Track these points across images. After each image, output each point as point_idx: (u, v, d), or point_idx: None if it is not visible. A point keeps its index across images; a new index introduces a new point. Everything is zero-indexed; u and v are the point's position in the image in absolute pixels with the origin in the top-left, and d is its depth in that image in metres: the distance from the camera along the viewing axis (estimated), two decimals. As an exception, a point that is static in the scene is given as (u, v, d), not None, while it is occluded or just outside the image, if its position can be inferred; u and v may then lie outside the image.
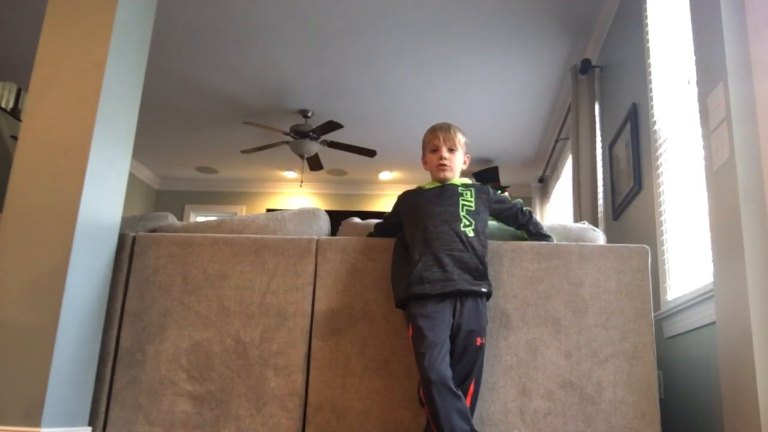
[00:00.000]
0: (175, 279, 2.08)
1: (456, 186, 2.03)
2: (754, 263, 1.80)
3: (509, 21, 4.03)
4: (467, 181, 2.10)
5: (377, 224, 2.18)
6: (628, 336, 1.95)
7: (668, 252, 2.79)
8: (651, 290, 1.99)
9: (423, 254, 1.88)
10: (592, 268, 2.00)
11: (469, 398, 1.78)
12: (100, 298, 2.01)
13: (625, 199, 3.34)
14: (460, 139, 2.07)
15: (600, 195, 3.84)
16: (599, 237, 2.17)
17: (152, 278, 2.09)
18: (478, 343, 1.82)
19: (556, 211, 5.87)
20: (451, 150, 2.04)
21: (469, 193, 2.00)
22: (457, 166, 2.06)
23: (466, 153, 2.10)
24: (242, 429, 1.94)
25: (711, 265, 2.04)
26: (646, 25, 3.14)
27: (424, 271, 1.85)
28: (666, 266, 2.79)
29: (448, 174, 2.04)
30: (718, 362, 2.00)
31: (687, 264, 2.62)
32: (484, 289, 1.86)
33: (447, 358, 1.75)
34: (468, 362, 1.80)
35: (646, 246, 2.04)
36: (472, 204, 1.98)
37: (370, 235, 2.16)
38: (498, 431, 1.89)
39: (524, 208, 2.12)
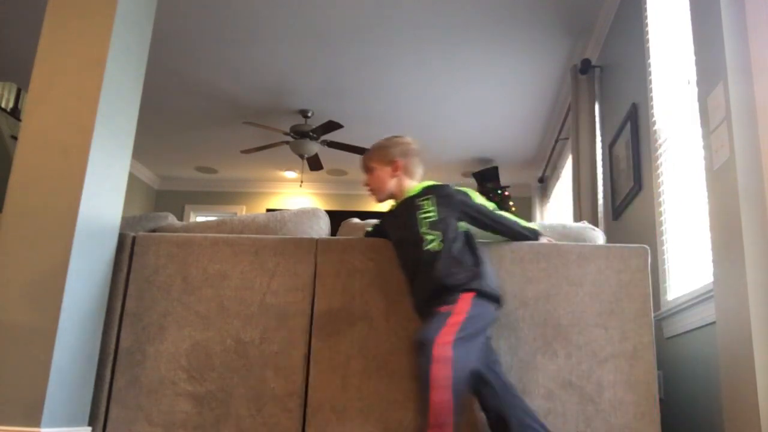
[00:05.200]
0: (175, 279, 2.08)
1: (413, 198, 1.94)
2: (754, 263, 1.80)
3: (509, 21, 4.03)
4: (427, 183, 1.99)
5: (375, 225, 2.18)
6: (627, 336, 1.95)
7: (668, 252, 2.79)
8: (651, 290, 1.99)
9: (408, 278, 1.93)
10: (591, 268, 2.00)
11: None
12: (100, 298, 2.01)
13: (625, 199, 3.34)
14: (373, 156, 2.05)
15: (600, 195, 3.84)
16: (599, 237, 2.17)
17: (152, 278, 2.09)
18: None
19: (556, 211, 5.87)
20: (367, 172, 2.06)
21: (428, 201, 1.91)
22: (380, 185, 2.04)
23: (391, 161, 2.01)
24: (242, 429, 1.94)
25: (711, 265, 2.04)
26: (646, 25, 3.14)
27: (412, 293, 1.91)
28: (666, 266, 2.79)
29: (377, 198, 2.05)
30: (718, 362, 2.00)
31: (687, 264, 2.62)
32: (438, 308, 1.74)
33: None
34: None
35: (645, 246, 2.04)
36: (434, 213, 1.88)
37: (368, 234, 2.17)
38: (498, 431, 1.89)
39: (497, 212, 2.02)
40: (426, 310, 1.80)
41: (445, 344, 1.61)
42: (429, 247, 1.83)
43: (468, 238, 1.91)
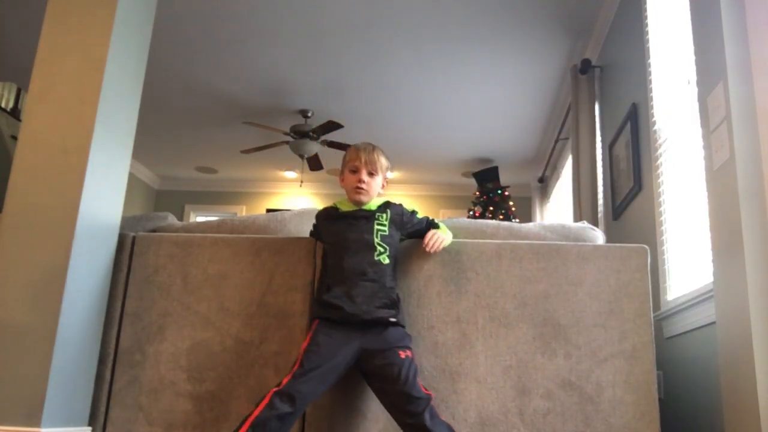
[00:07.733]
0: (175, 279, 2.08)
1: (372, 211, 1.97)
2: (754, 263, 1.80)
3: (509, 21, 4.03)
4: (382, 201, 2.03)
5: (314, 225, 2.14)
6: (627, 336, 1.95)
7: (668, 252, 2.79)
8: (650, 290, 1.99)
9: (335, 282, 1.85)
10: (591, 267, 2.00)
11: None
12: (100, 298, 2.01)
13: (625, 199, 3.34)
14: (383, 163, 2.00)
15: (600, 195, 3.84)
16: (598, 236, 2.17)
17: (152, 278, 2.09)
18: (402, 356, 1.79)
19: (556, 211, 5.87)
20: (371, 174, 1.97)
21: (384, 216, 1.95)
22: (374, 190, 1.99)
23: (386, 178, 2.03)
24: (242, 429, 1.94)
25: (711, 265, 2.04)
26: (646, 25, 3.14)
27: (335, 299, 1.82)
28: (666, 266, 2.79)
29: (364, 198, 1.97)
30: (718, 362, 2.00)
31: (687, 264, 2.62)
32: (392, 319, 1.82)
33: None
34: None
35: (645, 246, 2.04)
36: (386, 228, 1.93)
37: (312, 234, 2.12)
38: (497, 431, 1.89)
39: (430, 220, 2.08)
40: (368, 314, 1.80)
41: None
42: (379, 258, 1.88)
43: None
